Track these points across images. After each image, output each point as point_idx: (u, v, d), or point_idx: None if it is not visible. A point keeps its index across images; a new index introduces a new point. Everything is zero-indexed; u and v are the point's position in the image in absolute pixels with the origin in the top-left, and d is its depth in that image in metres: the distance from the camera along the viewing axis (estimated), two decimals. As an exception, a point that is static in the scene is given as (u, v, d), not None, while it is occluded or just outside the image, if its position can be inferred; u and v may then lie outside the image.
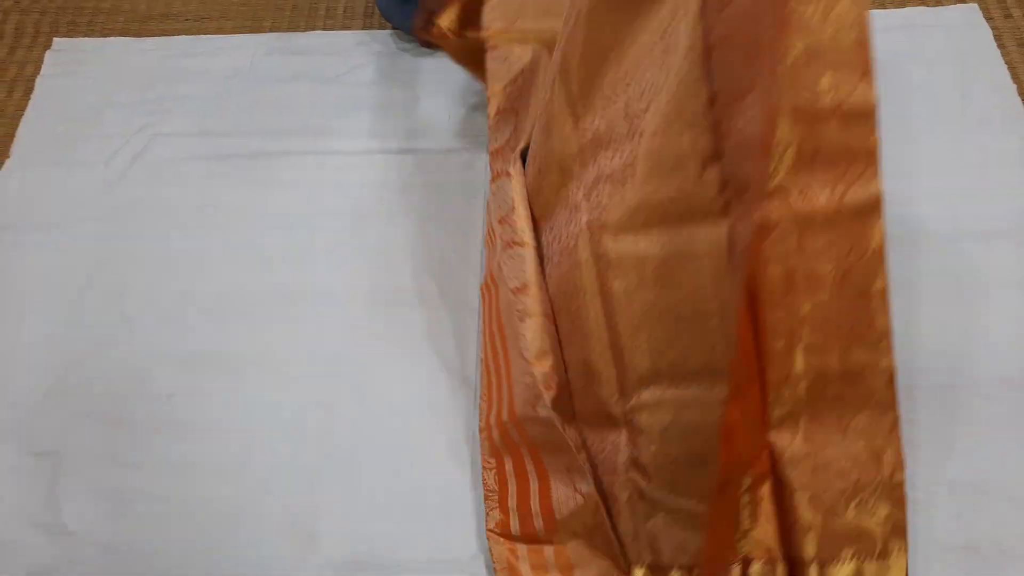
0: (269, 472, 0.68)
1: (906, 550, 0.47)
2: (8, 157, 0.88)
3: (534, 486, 0.64)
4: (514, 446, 0.65)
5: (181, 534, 0.66)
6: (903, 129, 0.85)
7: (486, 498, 0.66)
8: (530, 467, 0.64)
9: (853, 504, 0.47)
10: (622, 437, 0.56)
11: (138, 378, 0.73)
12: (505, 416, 0.64)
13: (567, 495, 0.61)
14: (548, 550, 0.63)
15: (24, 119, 0.91)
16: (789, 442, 0.47)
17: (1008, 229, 0.78)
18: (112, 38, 0.98)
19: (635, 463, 0.55)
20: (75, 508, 0.67)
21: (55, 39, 0.98)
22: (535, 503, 0.63)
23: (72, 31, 0.99)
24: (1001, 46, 0.90)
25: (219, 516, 0.66)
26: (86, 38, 0.98)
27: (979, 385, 0.70)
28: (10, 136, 0.89)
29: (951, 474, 0.66)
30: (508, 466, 0.65)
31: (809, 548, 0.47)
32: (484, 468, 0.67)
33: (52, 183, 0.85)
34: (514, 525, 0.64)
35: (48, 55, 0.96)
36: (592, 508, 0.58)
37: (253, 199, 0.83)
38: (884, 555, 0.47)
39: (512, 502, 0.64)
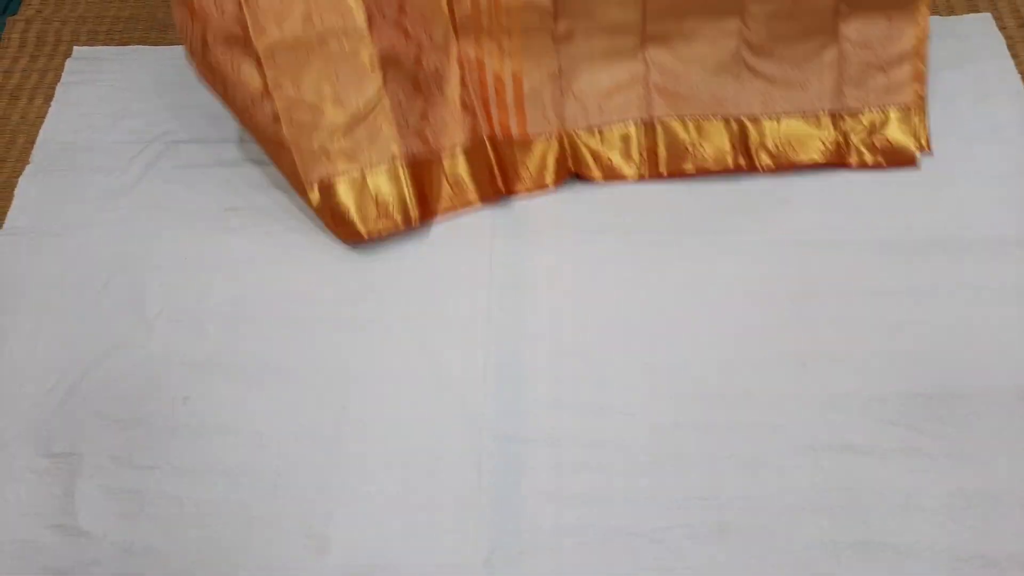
0: (282, 476, 0.69)
1: None
2: (29, 163, 0.89)
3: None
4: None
5: (195, 536, 0.66)
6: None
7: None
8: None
9: None
10: (734, 23, 0.79)
11: (154, 381, 0.74)
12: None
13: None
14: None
15: (44, 126, 0.92)
16: None
17: (1021, 237, 0.78)
18: (131, 47, 0.99)
19: (748, 44, 0.80)
20: (91, 509, 0.68)
21: (75, 47, 0.99)
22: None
23: (92, 40, 1.01)
24: (1015, 55, 0.90)
25: (233, 519, 0.67)
26: (105, 47, 1.00)
27: (994, 394, 0.70)
28: (31, 142, 0.91)
29: (967, 484, 0.66)
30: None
31: None
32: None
33: (71, 188, 0.87)
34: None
35: (68, 63, 0.98)
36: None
37: (269, 204, 0.84)
38: None
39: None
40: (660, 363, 0.73)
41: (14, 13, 1.04)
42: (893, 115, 0.82)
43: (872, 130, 0.82)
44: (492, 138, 0.83)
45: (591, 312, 0.76)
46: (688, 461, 0.68)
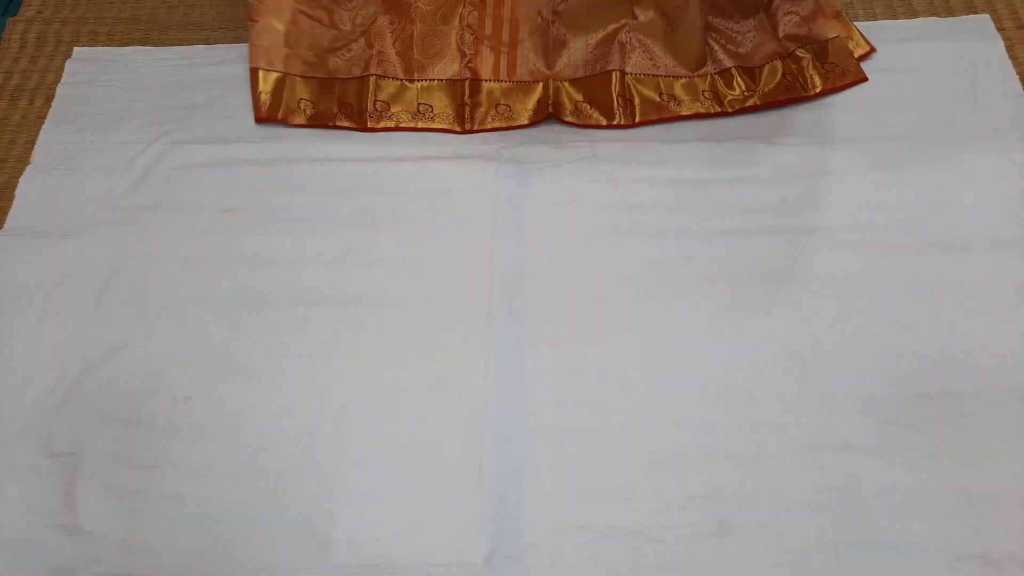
0: (283, 475, 0.69)
1: None
2: (30, 163, 0.89)
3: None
4: None
5: (196, 535, 0.67)
6: (915, 139, 0.85)
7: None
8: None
9: None
10: None
11: (155, 380, 0.74)
12: None
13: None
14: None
15: (45, 126, 0.92)
16: None
17: (1020, 238, 0.78)
18: (131, 47, 0.99)
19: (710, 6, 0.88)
20: (92, 508, 0.68)
21: (75, 48, 0.99)
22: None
23: (92, 40, 1.01)
24: (1013, 56, 0.90)
25: (234, 518, 0.67)
26: (106, 47, 1.00)
27: (993, 394, 0.70)
28: (31, 143, 0.91)
29: (966, 483, 0.66)
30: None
31: None
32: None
33: (72, 188, 0.87)
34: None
35: (68, 64, 0.98)
36: None
37: (268, 205, 0.84)
38: None
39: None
40: (660, 362, 0.73)
41: (14, 14, 1.04)
42: (828, 45, 0.90)
43: (816, 61, 0.89)
44: (474, 75, 0.90)
45: (592, 311, 0.76)
46: (688, 460, 0.68)
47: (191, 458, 0.70)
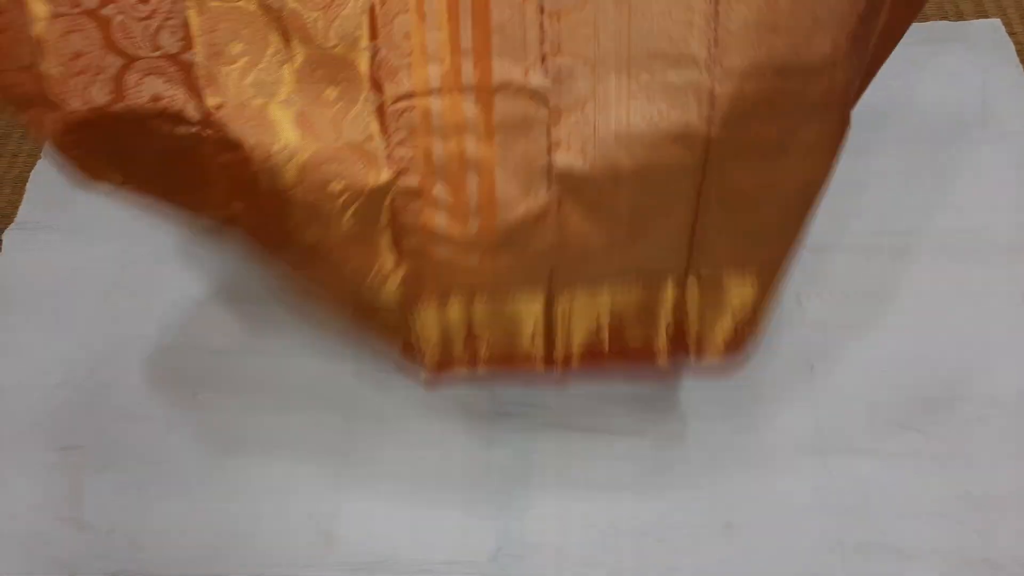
0: (290, 471, 0.69)
1: None
2: (41, 158, 0.89)
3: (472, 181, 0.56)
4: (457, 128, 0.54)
5: (202, 531, 0.67)
6: (924, 142, 0.85)
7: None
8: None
9: None
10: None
11: (163, 376, 0.74)
12: (469, 80, 0.53)
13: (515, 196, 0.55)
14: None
15: (56, 122, 0.92)
16: None
17: (1030, 242, 0.78)
18: (143, 44, 1.00)
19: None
20: (99, 503, 0.68)
21: (87, 44, 1.00)
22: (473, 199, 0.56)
23: (104, 37, 1.01)
24: (1024, 61, 0.90)
25: (240, 514, 0.68)
26: (117, 44, 1.00)
27: (999, 399, 0.70)
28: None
29: (971, 487, 0.66)
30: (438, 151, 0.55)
31: None
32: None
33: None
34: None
35: (80, 60, 0.98)
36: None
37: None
38: None
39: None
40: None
41: (27, 10, 1.04)
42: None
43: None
44: None
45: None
46: (694, 461, 0.68)
47: (198, 453, 0.70)
